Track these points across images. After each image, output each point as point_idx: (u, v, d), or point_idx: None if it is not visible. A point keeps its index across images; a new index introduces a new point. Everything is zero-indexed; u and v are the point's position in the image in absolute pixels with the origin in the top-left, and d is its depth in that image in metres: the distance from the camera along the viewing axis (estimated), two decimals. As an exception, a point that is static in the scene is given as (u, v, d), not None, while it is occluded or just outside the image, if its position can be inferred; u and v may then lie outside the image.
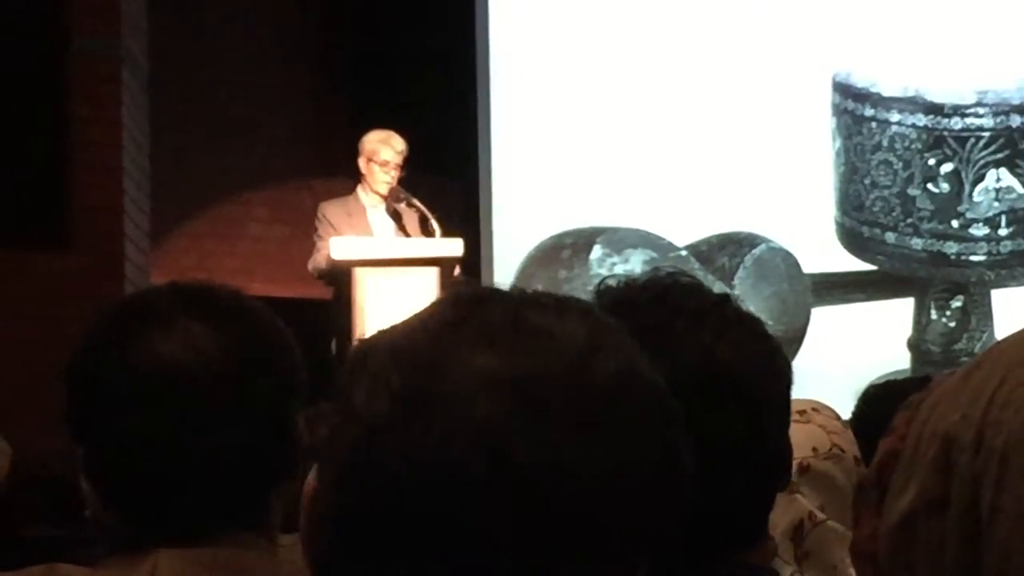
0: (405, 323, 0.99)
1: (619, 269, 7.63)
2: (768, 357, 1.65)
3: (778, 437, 1.66)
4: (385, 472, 0.92)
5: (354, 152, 7.14)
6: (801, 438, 2.21)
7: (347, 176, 7.30)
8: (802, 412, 2.23)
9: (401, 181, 7.07)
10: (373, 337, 0.99)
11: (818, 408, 2.32)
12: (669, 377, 1.55)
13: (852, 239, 8.08)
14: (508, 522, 0.91)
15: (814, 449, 2.27)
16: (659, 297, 1.64)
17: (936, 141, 7.91)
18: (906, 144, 7.94)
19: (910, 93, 7.93)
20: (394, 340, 0.98)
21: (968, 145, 7.84)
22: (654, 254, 7.84)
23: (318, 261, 6.76)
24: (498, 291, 1.01)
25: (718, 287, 1.93)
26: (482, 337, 0.95)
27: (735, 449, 1.58)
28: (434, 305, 1.00)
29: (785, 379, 1.66)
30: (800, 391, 1.81)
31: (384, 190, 7.03)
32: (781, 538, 2.27)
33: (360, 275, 6.39)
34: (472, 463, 0.91)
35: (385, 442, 0.93)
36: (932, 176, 7.91)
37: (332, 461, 0.97)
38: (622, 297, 1.65)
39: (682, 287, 1.67)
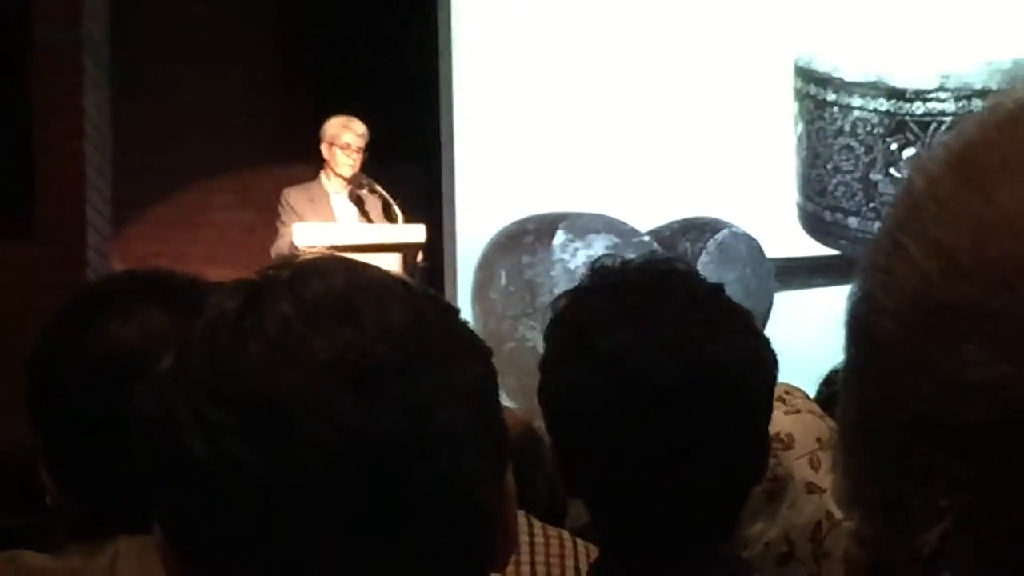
0: None
1: (581, 255, 7.63)
2: (755, 350, 1.65)
3: (759, 429, 1.67)
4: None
5: (317, 139, 7.19)
6: (800, 430, 2.17)
7: (311, 163, 7.32)
8: (780, 399, 2.19)
9: (364, 167, 7.12)
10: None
11: (790, 391, 2.30)
12: (657, 361, 1.56)
13: (815, 224, 8.10)
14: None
15: (818, 440, 2.23)
16: (654, 282, 1.66)
17: (898, 126, 7.93)
18: (868, 129, 7.96)
19: (872, 78, 7.95)
20: None
21: (930, 130, 7.86)
22: (617, 240, 7.84)
23: (281, 247, 6.77)
24: None
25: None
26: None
27: (716, 439, 1.59)
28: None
29: (770, 372, 1.67)
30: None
31: (347, 173, 7.09)
32: (799, 535, 2.24)
33: (323, 262, 6.38)
34: None
35: None
36: (894, 161, 7.93)
37: None
38: (618, 279, 1.67)
39: (677, 273, 1.70)
